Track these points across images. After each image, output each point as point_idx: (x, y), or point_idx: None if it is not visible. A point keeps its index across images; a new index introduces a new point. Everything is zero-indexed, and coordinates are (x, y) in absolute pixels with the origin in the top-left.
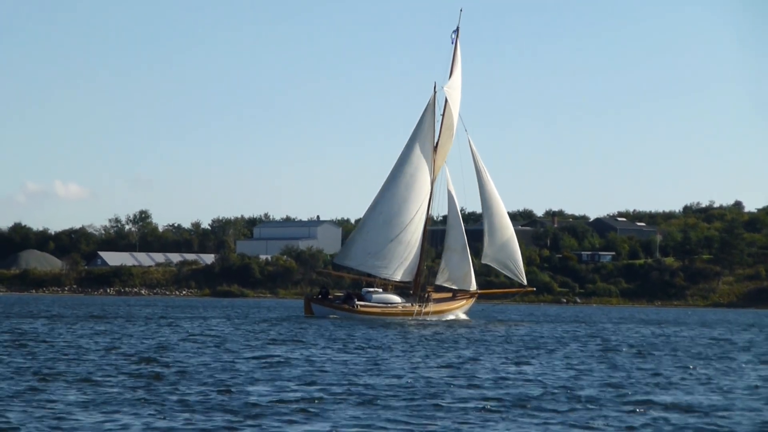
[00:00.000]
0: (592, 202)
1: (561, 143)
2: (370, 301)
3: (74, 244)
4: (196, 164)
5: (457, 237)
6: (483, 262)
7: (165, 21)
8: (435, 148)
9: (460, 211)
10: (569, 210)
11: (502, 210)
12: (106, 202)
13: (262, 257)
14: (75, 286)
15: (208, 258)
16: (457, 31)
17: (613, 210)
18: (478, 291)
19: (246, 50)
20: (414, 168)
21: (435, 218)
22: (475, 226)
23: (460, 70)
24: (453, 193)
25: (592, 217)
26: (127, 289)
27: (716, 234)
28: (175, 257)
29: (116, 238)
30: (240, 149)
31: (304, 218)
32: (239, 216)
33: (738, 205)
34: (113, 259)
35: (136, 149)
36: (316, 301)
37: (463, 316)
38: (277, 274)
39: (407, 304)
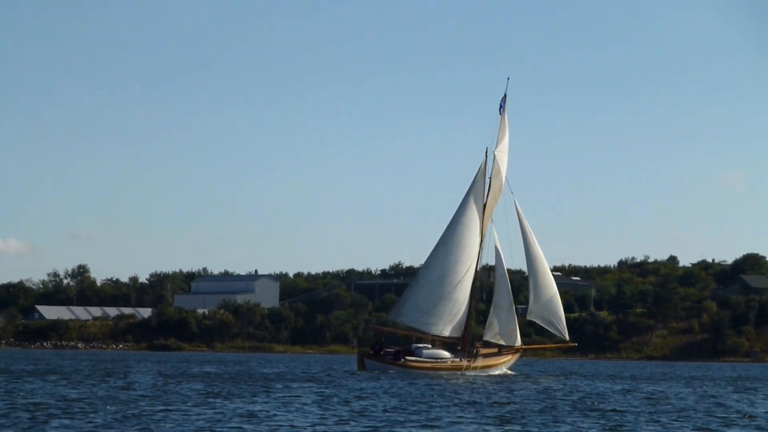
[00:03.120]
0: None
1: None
2: (420, 356)
3: (12, 299)
4: (134, 219)
5: (504, 294)
6: (528, 318)
7: (98, 82)
8: (484, 208)
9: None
10: (505, 264)
11: (546, 268)
12: (46, 257)
13: (200, 311)
14: (12, 340)
15: (146, 312)
16: (504, 98)
17: (548, 264)
18: (523, 346)
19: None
20: (465, 229)
21: (480, 275)
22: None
23: (507, 135)
24: (500, 251)
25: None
26: (63, 342)
27: (650, 288)
28: (113, 311)
29: (54, 293)
30: (179, 203)
31: (242, 272)
32: (177, 270)
33: (672, 259)
34: (50, 313)
35: (75, 204)
36: (369, 357)
37: (508, 371)
38: (214, 328)
39: (456, 359)
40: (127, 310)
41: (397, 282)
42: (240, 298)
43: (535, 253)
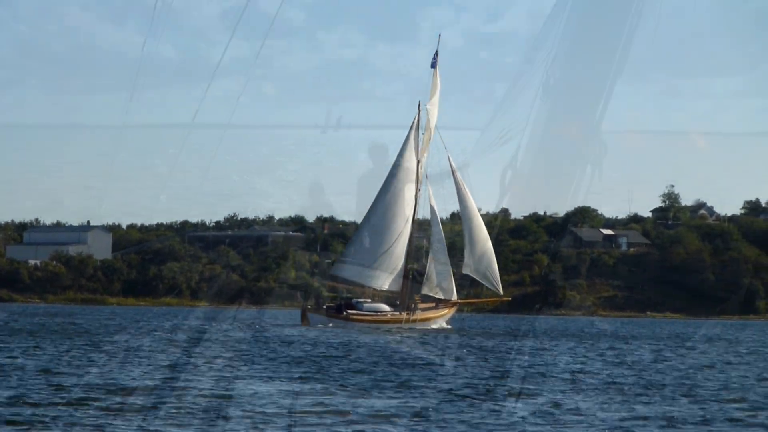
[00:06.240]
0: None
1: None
2: (361, 310)
3: None
4: None
5: (440, 249)
6: (464, 272)
7: None
8: (418, 164)
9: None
10: (340, 216)
11: (480, 224)
12: None
13: (32, 262)
14: None
15: None
16: (436, 54)
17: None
18: (459, 300)
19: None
20: (402, 184)
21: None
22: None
23: (438, 91)
24: (435, 208)
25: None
26: None
27: None
28: None
29: None
30: (9, 152)
31: (75, 223)
32: (9, 220)
33: (504, 212)
34: None
35: None
36: (312, 311)
37: (445, 325)
38: (46, 280)
39: (396, 313)
40: None
41: (232, 234)
42: (72, 250)
43: (470, 208)
